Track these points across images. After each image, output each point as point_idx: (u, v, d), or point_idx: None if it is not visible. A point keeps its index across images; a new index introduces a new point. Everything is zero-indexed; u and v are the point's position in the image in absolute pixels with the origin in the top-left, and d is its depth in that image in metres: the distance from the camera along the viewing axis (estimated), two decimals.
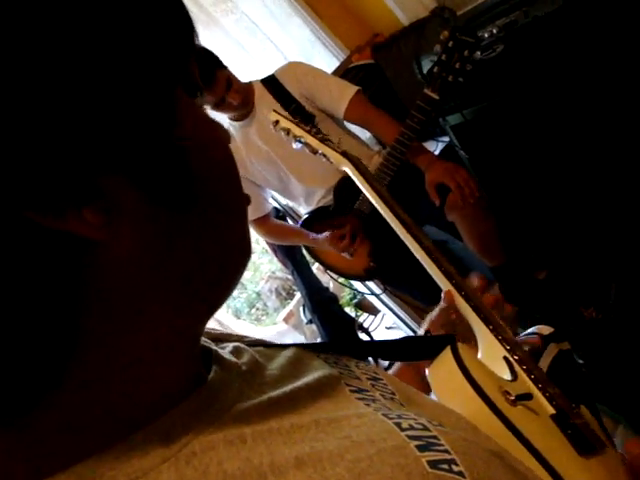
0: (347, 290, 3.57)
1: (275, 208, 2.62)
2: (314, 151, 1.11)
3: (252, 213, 2.21)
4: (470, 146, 2.24)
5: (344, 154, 1.00)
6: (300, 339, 3.79)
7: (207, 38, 3.08)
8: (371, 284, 2.72)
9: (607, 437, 0.61)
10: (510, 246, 2.15)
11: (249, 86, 2.11)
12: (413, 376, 0.64)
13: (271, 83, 2.11)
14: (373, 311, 3.58)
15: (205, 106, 1.97)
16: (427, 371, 0.54)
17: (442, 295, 0.73)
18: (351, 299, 3.68)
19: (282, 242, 2.50)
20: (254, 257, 4.43)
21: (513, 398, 0.50)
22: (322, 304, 2.94)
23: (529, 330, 0.89)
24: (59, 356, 0.30)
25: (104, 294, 0.31)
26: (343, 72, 2.98)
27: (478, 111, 2.11)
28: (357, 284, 2.87)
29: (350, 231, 2.05)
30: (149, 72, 0.31)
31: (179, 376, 0.37)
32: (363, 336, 3.19)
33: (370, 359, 0.61)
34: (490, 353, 0.61)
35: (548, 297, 2.10)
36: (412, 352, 0.58)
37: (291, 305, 4.30)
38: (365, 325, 3.44)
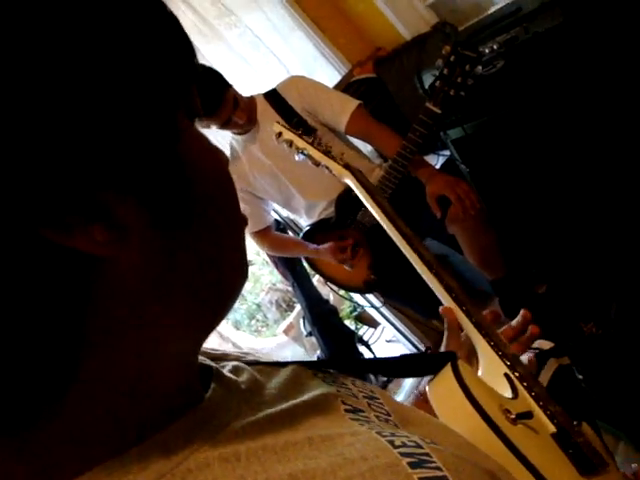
0: (347, 303, 3.56)
1: (276, 220, 2.63)
2: (317, 163, 1.11)
3: (253, 225, 2.22)
4: (471, 160, 2.25)
5: (346, 166, 1.01)
6: (300, 351, 3.78)
7: (211, 52, 3.10)
8: (371, 297, 2.71)
9: (609, 455, 0.61)
10: (510, 260, 2.15)
11: (252, 101, 2.12)
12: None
13: (273, 97, 2.13)
14: (373, 324, 3.57)
15: (212, 126, 1.99)
16: (427, 388, 0.54)
17: (440, 311, 0.73)
18: (351, 312, 3.67)
19: (283, 254, 2.51)
20: (254, 268, 4.43)
21: (514, 417, 0.50)
22: (322, 316, 2.94)
23: None
24: (63, 369, 0.31)
25: (108, 310, 0.32)
26: (345, 86, 3.00)
27: (479, 125, 2.12)
28: (357, 296, 2.86)
29: (352, 243, 2.06)
30: (153, 95, 0.32)
31: (178, 392, 0.37)
32: (363, 349, 3.18)
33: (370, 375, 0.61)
34: (491, 369, 0.61)
35: (548, 311, 2.09)
36: (412, 369, 0.58)
37: (291, 317, 4.29)
38: (365, 338, 3.43)
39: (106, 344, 0.32)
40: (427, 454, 0.34)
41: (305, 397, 0.43)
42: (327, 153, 1.11)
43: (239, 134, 2.14)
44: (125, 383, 0.34)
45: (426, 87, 1.97)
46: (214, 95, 1.88)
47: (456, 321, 0.70)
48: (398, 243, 0.80)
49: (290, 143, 1.22)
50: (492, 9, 2.62)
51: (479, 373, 0.64)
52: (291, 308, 4.47)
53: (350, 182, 0.98)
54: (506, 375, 0.58)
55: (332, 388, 0.48)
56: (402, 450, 0.34)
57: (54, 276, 0.29)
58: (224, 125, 2.00)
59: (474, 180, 2.25)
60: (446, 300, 0.71)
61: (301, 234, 2.31)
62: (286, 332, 4.17)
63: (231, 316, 4.37)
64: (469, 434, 0.44)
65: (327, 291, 3.33)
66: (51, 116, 0.27)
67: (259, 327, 4.67)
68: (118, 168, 0.30)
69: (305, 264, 2.68)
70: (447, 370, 0.51)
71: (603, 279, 2.10)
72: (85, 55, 0.29)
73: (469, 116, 2.14)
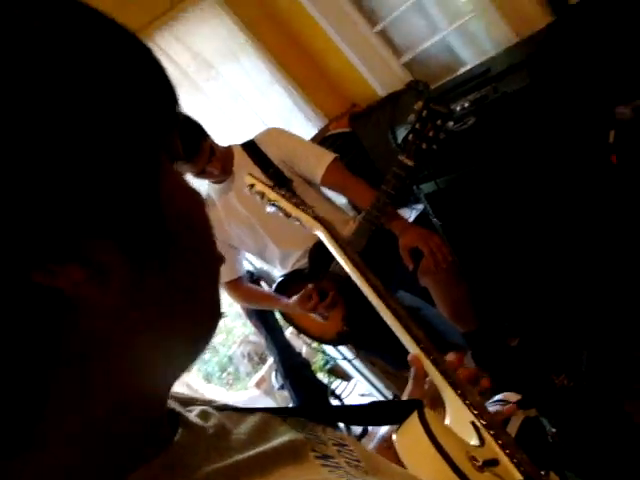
0: (320, 355, 3.52)
1: (249, 272, 2.62)
2: (288, 215, 1.13)
3: (226, 275, 2.21)
4: (443, 214, 2.30)
5: (317, 218, 1.02)
6: (271, 405, 3.70)
7: (189, 103, 3.15)
8: (344, 349, 2.69)
9: None
10: (482, 313, 2.17)
11: (229, 150, 2.15)
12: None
13: (251, 148, 2.16)
14: (346, 377, 3.52)
15: (187, 174, 2.00)
16: (394, 436, 0.54)
17: (408, 359, 0.73)
18: (324, 365, 3.63)
19: (255, 306, 2.49)
20: (227, 320, 4.39)
21: (480, 464, 0.50)
22: (294, 369, 2.90)
23: (496, 397, 0.89)
24: (28, 415, 0.30)
25: (83, 345, 0.32)
26: (321, 139, 3.06)
27: (451, 180, 2.18)
28: (330, 349, 2.84)
29: (317, 291, 2.05)
30: (137, 140, 0.33)
31: (145, 437, 0.37)
32: (336, 403, 3.13)
33: (342, 426, 0.60)
34: (458, 418, 0.61)
35: (520, 364, 2.10)
36: (380, 417, 0.57)
37: (263, 370, 4.22)
38: (338, 392, 3.38)
39: (73, 389, 0.32)
40: None
41: (274, 443, 0.43)
42: (298, 205, 1.12)
43: (216, 183, 2.15)
44: (90, 428, 0.33)
45: (399, 142, 2.02)
46: (191, 144, 1.90)
47: (422, 369, 0.70)
48: (367, 294, 0.80)
49: (262, 195, 1.23)
50: (463, 69, 2.74)
51: (446, 421, 0.63)
52: (263, 361, 4.41)
53: (320, 234, 0.99)
54: (473, 423, 0.58)
55: (301, 435, 0.47)
56: None
57: (35, 313, 0.29)
58: (199, 174, 2.01)
59: (446, 233, 2.29)
60: (414, 350, 0.71)
61: (274, 285, 2.30)
62: (258, 385, 4.09)
63: (202, 368, 4.30)
64: None
65: (300, 344, 3.31)
66: (40, 170, 0.28)
67: (230, 380, 4.59)
68: (101, 215, 0.31)
69: (278, 316, 2.66)
70: (414, 418, 0.50)
71: (574, 331, 2.13)
72: (71, 106, 0.29)
73: (442, 171, 2.20)
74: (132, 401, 0.35)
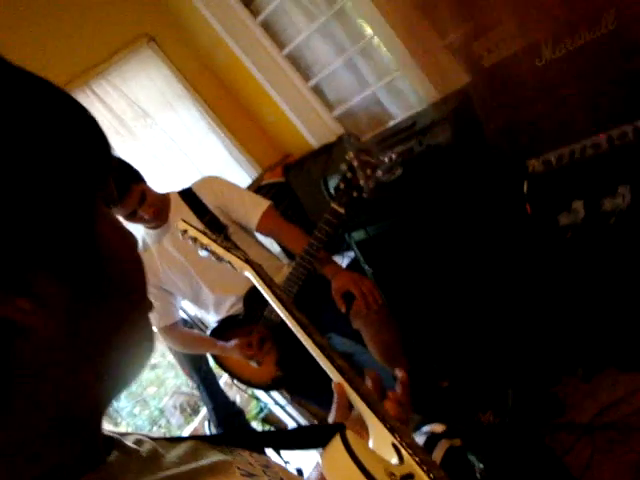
0: (254, 404, 3.49)
1: (184, 319, 2.60)
2: (220, 258, 1.16)
3: (161, 320, 2.19)
4: (374, 260, 2.38)
5: (246, 261, 1.06)
6: None
7: (126, 150, 3.16)
8: (277, 395, 2.69)
9: None
10: (413, 355, 2.23)
11: (165, 198, 2.17)
12: None
13: (188, 195, 2.19)
14: (280, 425, 3.49)
15: (117, 215, 2.00)
16: (320, 459, 0.57)
17: (332, 387, 0.78)
18: (258, 413, 3.59)
19: (190, 350, 2.46)
20: (159, 372, 4.28)
21: (398, 479, 0.54)
22: (228, 418, 2.86)
23: (423, 429, 0.93)
24: None
25: (24, 372, 0.35)
26: (256, 189, 3.12)
27: (380, 228, 2.26)
28: (264, 396, 2.82)
29: (257, 339, 2.07)
30: (71, 187, 0.38)
31: (80, 455, 0.40)
32: (269, 451, 3.09)
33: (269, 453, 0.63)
34: (380, 440, 0.65)
35: (450, 404, 2.16)
36: (305, 441, 0.61)
37: (196, 422, 4.10)
38: None
39: (10, 409, 0.35)
40: None
41: (203, 462, 0.47)
42: (229, 249, 1.16)
43: (151, 228, 2.16)
44: (24, 445, 0.36)
45: (331, 191, 2.10)
46: (119, 185, 1.91)
47: (345, 396, 0.75)
48: (292, 328, 0.85)
49: (195, 240, 1.26)
50: (391, 122, 2.89)
51: (370, 444, 0.67)
52: (196, 412, 4.29)
53: (250, 275, 1.03)
54: (393, 444, 0.63)
55: (229, 457, 0.51)
56: None
57: None
58: (129, 217, 2.01)
59: (377, 279, 2.36)
60: (338, 379, 0.76)
61: (208, 331, 2.29)
62: None
63: (132, 422, 4.14)
64: None
65: (234, 392, 3.27)
66: None
67: (162, 434, 4.42)
68: (43, 251, 0.35)
69: (212, 363, 2.64)
70: (336, 439, 0.54)
71: (499, 370, 2.21)
72: (12, 157, 0.34)
73: (372, 219, 2.28)
74: (70, 419, 0.38)
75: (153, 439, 0.53)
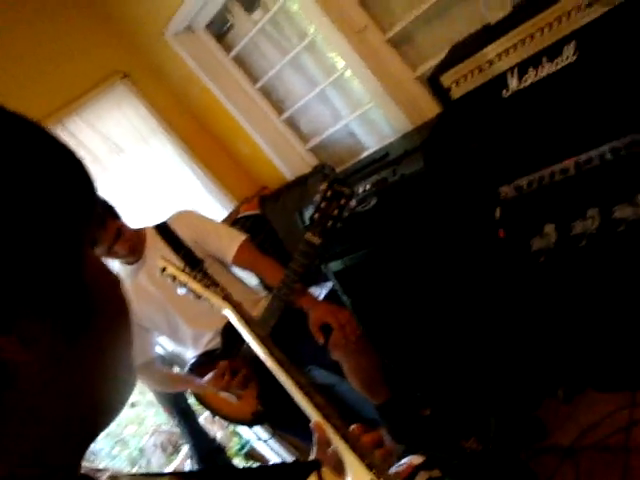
0: (236, 439, 3.43)
1: (161, 356, 2.56)
2: (198, 296, 1.16)
3: (137, 357, 2.16)
4: (352, 290, 2.38)
5: (225, 298, 1.06)
6: None
7: (100, 186, 3.14)
8: (259, 430, 2.65)
9: None
10: (395, 385, 2.22)
11: (141, 233, 2.16)
12: None
13: (163, 229, 2.18)
14: (263, 461, 3.43)
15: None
16: None
17: (311, 425, 0.77)
18: (240, 449, 3.52)
19: (166, 389, 2.43)
20: (139, 410, 4.19)
21: None
22: (209, 455, 2.82)
23: (402, 461, 0.93)
24: None
25: (12, 407, 0.36)
26: (232, 222, 3.12)
27: (357, 258, 2.27)
28: (245, 431, 2.78)
29: (229, 368, 2.04)
30: (59, 229, 0.39)
31: None
32: None
33: None
34: (357, 477, 0.65)
35: (432, 432, 2.15)
36: (281, 478, 0.60)
37: (177, 460, 4.01)
38: None
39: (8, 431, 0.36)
40: None
41: None
42: (208, 286, 1.17)
43: (126, 264, 2.14)
44: (15, 470, 0.36)
45: (306, 222, 2.11)
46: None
47: (324, 435, 0.74)
48: (271, 367, 0.84)
49: (173, 278, 1.27)
50: (365, 153, 2.92)
51: None
52: (177, 451, 4.20)
53: (228, 312, 1.03)
54: None
55: None
56: None
57: None
58: (105, 252, 2.00)
59: (356, 309, 2.36)
60: (316, 417, 0.75)
61: (186, 367, 2.26)
62: None
63: (110, 463, 4.04)
64: None
65: (215, 429, 3.21)
66: None
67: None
68: (34, 294, 0.36)
69: (192, 401, 2.60)
70: (312, 478, 0.54)
71: (481, 395, 2.22)
72: (7, 209, 0.35)
73: (348, 249, 2.29)
74: (52, 455, 0.39)
75: (131, 475, 0.53)
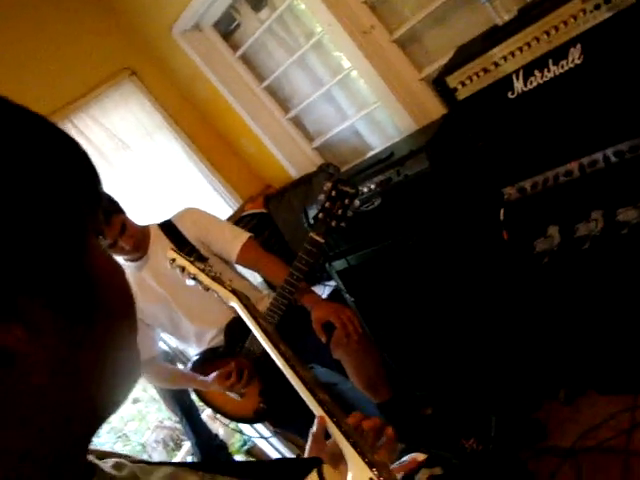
0: (237, 437, 3.44)
1: (165, 352, 2.57)
2: (206, 288, 1.18)
3: (141, 353, 2.16)
4: (355, 289, 2.39)
5: (233, 291, 1.07)
6: None
7: (106, 182, 3.15)
8: (261, 428, 2.66)
9: None
10: (396, 384, 2.23)
11: (145, 229, 2.17)
12: None
13: (167, 227, 2.19)
14: (264, 458, 3.44)
15: None
16: None
17: (315, 420, 0.78)
18: (241, 446, 3.53)
19: (171, 386, 2.44)
20: (141, 406, 4.21)
21: None
22: (211, 452, 2.82)
23: (404, 458, 0.93)
24: None
25: (9, 401, 0.36)
26: (237, 219, 3.13)
27: (361, 257, 2.28)
28: (247, 428, 2.79)
29: (236, 369, 2.05)
30: (64, 217, 0.39)
31: None
32: None
33: None
34: (358, 475, 0.66)
35: (433, 431, 2.15)
36: (281, 474, 0.61)
37: (179, 456, 4.03)
38: None
39: (8, 425, 0.36)
40: None
41: None
42: (216, 279, 1.18)
43: (130, 261, 2.15)
44: (9, 473, 0.36)
45: (311, 221, 2.12)
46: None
47: (322, 429, 0.75)
48: (276, 361, 0.85)
49: (182, 269, 1.28)
50: (370, 153, 2.93)
51: (348, 479, 0.68)
52: (179, 447, 4.21)
53: (236, 305, 1.04)
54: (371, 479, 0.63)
55: None
56: None
57: None
58: (109, 248, 2.01)
59: (359, 308, 2.37)
60: (319, 412, 0.76)
61: (189, 364, 2.27)
62: None
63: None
64: None
65: (217, 426, 3.22)
66: None
67: None
68: (36, 279, 0.36)
69: (194, 397, 2.61)
70: (313, 475, 0.55)
71: (482, 395, 2.22)
72: (8, 188, 0.35)
73: (352, 249, 2.30)
74: (56, 449, 0.39)
75: (134, 461, 0.53)
